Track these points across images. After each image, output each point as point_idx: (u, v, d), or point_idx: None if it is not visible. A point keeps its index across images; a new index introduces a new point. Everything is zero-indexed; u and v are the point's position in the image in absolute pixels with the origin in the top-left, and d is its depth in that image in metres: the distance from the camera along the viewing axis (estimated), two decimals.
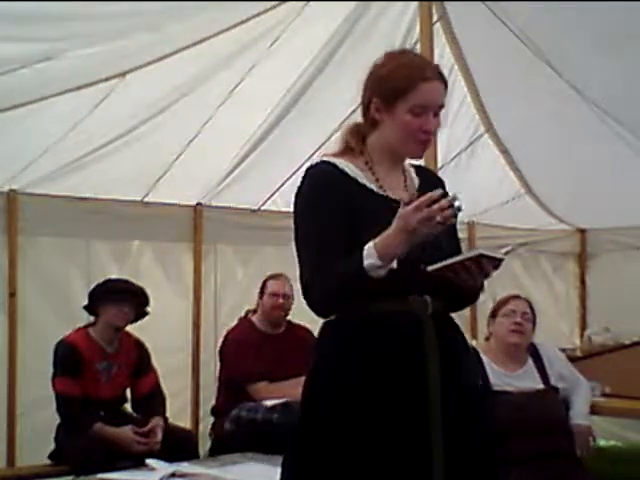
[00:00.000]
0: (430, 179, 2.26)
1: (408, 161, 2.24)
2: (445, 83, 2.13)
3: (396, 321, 2.02)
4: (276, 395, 4.28)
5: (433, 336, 2.04)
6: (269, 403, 4.25)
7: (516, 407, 3.46)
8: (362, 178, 2.11)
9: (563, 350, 4.36)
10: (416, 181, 2.21)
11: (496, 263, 2.00)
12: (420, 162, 4.00)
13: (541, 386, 3.63)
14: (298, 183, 2.13)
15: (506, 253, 2.03)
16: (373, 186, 2.11)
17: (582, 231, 6.84)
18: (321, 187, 2.07)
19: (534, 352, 3.71)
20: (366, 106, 2.15)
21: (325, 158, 2.14)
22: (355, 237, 2.01)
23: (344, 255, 1.99)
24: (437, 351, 2.03)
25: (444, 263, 1.97)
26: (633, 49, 3.86)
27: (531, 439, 3.41)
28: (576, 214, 6.39)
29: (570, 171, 5.25)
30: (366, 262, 1.92)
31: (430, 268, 1.97)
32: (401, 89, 2.07)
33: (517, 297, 3.81)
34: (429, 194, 1.91)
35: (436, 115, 2.11)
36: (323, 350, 2.12)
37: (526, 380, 3.61)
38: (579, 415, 3.66)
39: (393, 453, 1.98)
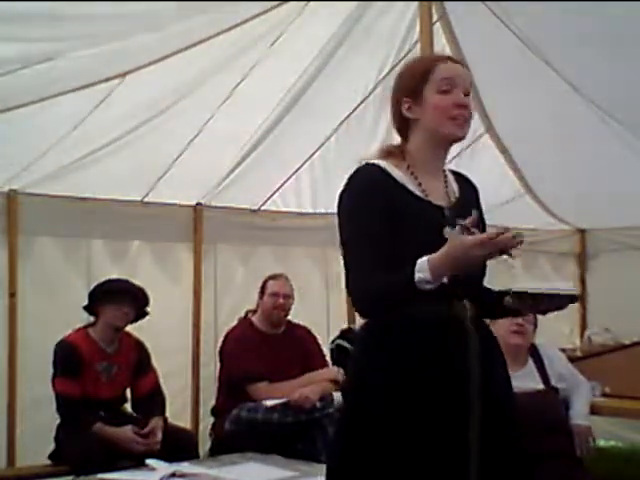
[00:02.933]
0: (468, 186, 2.29)
1: (447, 167, 2.26)
2: (463, 65, 2.19)
3: (441, 324, 2.04)
4: (276, 395, 4.28)
5: (475, 339, 2.07)
6: (269, 403, 4.25)
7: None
8: (407, 182, 2.12)
9: (563, 350, 4.36)
10: (455, 187, 2.23)
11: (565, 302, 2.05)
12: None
13: (541, 386, 3.63)
14: (344, 184, 2.14)
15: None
16: (417, 191, 2.12)
17: (582, 231, 6.84)
18: (370, 188, 2.08)
19: (534, 353, 3.71)
20: (397, 112, 2.18)
21: (371, 161, 2.15)
22: (398, 241, 2.04)
23: (384, 262, 2.02)
24: (479, 354, 2.06)
25: (534, 290, 1.98)
26: (633, 49, 3.86)
27: (531, 439, 3.40)
28: (576, 214, 6.39)
29: (570, 171, 5.25)
30: (417, 276, 1.95)
31: (515, 289, 1.98)
32: (421, 75, 2.12)
33: None
34: (494, 232, 1.92)
35: (466, 94, 2.13)
36: (366, 353, 2.12)
37: (526, 380, 3.60)
38: (579, 415, 3.66)
39: (432, 455, 2.00)
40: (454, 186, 2.24)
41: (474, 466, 2.00)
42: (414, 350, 2.04)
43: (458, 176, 2.30)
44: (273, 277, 4.74)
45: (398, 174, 2.12)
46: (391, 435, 2.01)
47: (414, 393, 2.02)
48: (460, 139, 2.17)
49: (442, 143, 2.18)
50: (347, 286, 2.09)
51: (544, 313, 2.15)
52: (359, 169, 2.14)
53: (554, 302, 2.04)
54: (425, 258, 1.95)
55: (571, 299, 2.03)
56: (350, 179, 2.13)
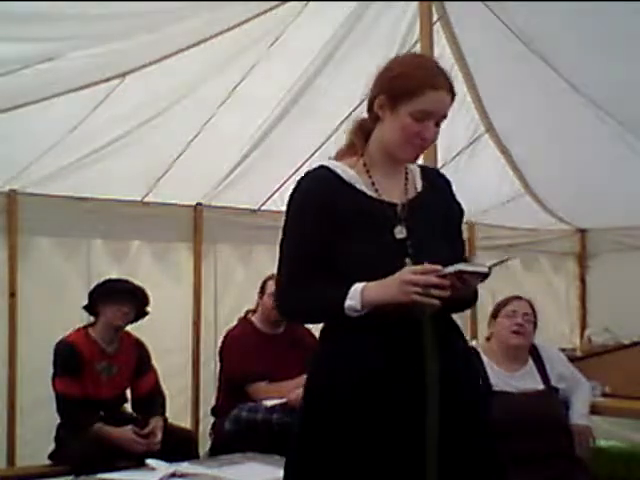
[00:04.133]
0: (437, 181, 2.24)
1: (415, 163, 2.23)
2: (453, 95, 2.11)
3: (395, 324, 2.00)
4: (275, 395, 4.28)
5: (431, 338, 2.03)
6: (269, 403, 4.25)
7: (516, 407, 3.46)
8: (358, 182, 2.10)
9: (563, 350, 4.36)
10: (419, 184, 2.19)
11: (481, 276, 1.99)
12: (420, 161, 4.01)
13: (541, 387, 3.62)
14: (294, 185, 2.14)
15: (493, 265, 1.99)
16: (368, 190, 2.10)
17: (582, 231, 6.84)
18: (311, 196, 2.07)
19: (535, 353, 3.70)
20: (371, 101, 2.14)
21: (324, 163, 2.14)
22: (347, 242, 2.03)
23: (321, 269, 2.03)
24: (436, 352, 2.02)
25: (457, 267, 1.96)
26: (633, 49, 3.86)
27: (531, 439, 3.41)
28: (576, 214, 6.39)
29: (570, 171, 5.24)
30: (347, 303, 1.95)
31: (445, 271, 1.96)
32: (409, 91, 2.05)
33: (518, 298, 3.80)
34: (433, 267, 1.92)
35: (437, 125, 2.10)
36: (323, 354, 2.12)
37: (527, 380, 3.60)
38: (579, 415, 3.66)
39: (388, 456, 1.97)
40: (418, 182, 2.19)
41: (431, 468, 1.97)
42: (369, 351, 2.01)
43: (427, 171, 2.25)
44: (273, 277, 4.72)
45: (350, 174, 2.10)
46: (346, 437, 1.99)
47: (368, 395, 1.99)
48: (407, 162, 2.16)
49: (391, 155, 2.14)
50: (276, 294, 2.11)
51: (465, 292, 2.03)
52: (306, 173, 2.13)
53: (473, 280, 2.00)
54: (360, 286, 1.95)
55: (484, 276, 2.00)
56: (297, 183, 2.12)
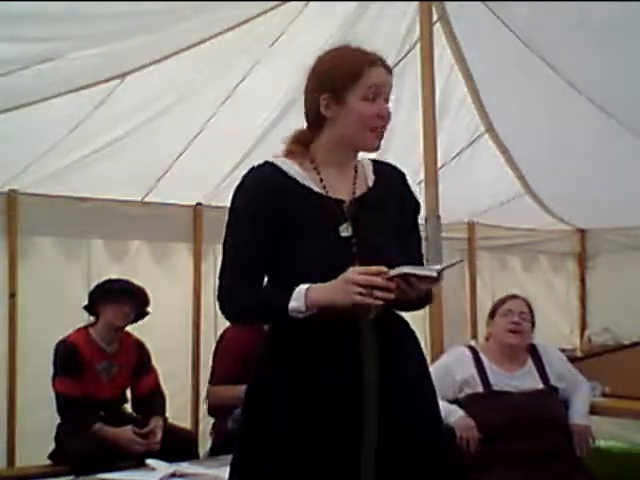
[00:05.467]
0: (390, 176, 2.19)
1: (368, 157, 2.17)
2: (390, 70, 2.10)
3: (333, 327, 1.96)
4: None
5: (372, 341, 1.98)
6: None
7: (516, 407, 3.46)
8: (305, 179, 2.07)
9: (563, 350, 4.35)
10: (371, 179, 2.14)
11: (431, 280, 1.94)
12: (419, 162, 4.00)
13: (541, 386, 3.62)
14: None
15: (443, 269, 1.95)
16: (315, 186, 2.07)
17: (582, 231, 6.84)
18: (255, 195, 2.04)
19: (534, 352, 3.70)
20: (313, 107, 2.11)
21: (270, 159, 2.10)
22: (292, 239, 2.00)
23: (266, 268, 2.02)
24: (375, 356, 1.97)
25: (403, 270, 1.92)
26: (633, 49, 3.86)
27: (531, 439, 3.40)
28: (576, 214, 6.39)
29: (570, 171, 5.24)
30: (291, 304, 1.91)
31: (391, 273, 1.91)
32: (350, 77, 2.03)
33: (515, 297, 3.80)
34: (378, 268, 1.88)
35: (387, 101, 2.07)
36: (264, 355, 2.09)
37: (526, 380, 3.60)
38: (578, 415, 3.66)
39: (325, 459, 1.94)
40: (369, 177, 2.15)
41: (367, 471, 1.94)
42: (307, 353, 1.98)
43: (380, 165, 2.20)
44: None
45: (296, 171, 2.07)
46: (282, 442, 1.96)
47: (304, 399, 1.96)
48: (373, 151, 2.11)
49: (353, 150, 2.12)
50: (218, 292, 2.05)
51: (411, 295, 1.96)
52: (251, 169, 2.09)
53: (421, 283, 1.94)
54: (304, 287, 1.91)
55: (435, 280, 1.95)
56: (242, 179, 2.09)
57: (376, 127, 2.05)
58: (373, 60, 2.06)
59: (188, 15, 3.64)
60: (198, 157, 4.69)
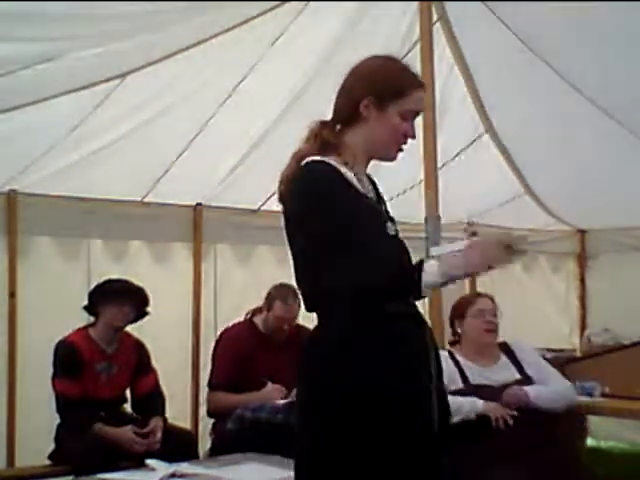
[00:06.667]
0: (372, 181, 2.29)
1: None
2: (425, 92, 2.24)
3: (408, 321, 2.08)
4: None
5: (430, 334, 2.14)
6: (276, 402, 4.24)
7: (500, 400, 3.48)
8: (351, 179, 2.12)
9: (562, 350, 4.36)
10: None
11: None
12: (419, 162, 4.01)
13: (518, 376, 3.64)
14: (296, 184, 2.11)
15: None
16: (360, 188, 2.14)
17: (582, 231, 6.84)
18: (331, 183, 2.07)
19: (505, 348, 3.75)
20: (351, 104, 2.16)
21: (317, 158, 2.11)
22: (349, 235, 2.03)
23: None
24: (433, 349, 2.13)
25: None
26: (633, 49, 3.86)
27: (521, 429, 3.41)
28: (576, 214, 6.39)
29: (570, 171, 5.25)
30: (427, 278, 1.96)
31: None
32: (399, 91, 2.14)
33: (481, 295, 3.87)
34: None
35: (412, 121, 2.20)
36: (332, 348, 2.05)
37: (503, 373, 3.63)
38: (532, 389, 3.58)
39: (405, 451, 1.99)
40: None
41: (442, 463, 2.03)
42: (383, 347, 2.01)
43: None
44: (282, 297, 4.47)
45: (344, 171, 2.12)
46: (361, 434, 1.98)
47: (381, 392, 1.98)
48: (388, 161, 2.23)
49: (376, 154, 2.22)
50: (320, 285, 2.03)
51: None
52: (310, 168, 2.09)
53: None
54: (437, 264, 1.97)
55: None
56: (307, 171, 2.09)
57: (400, 143, 2.19)
58: (420, 85, 2.19)
59: (188, 15, 3.64)
60: (198, 157, 4.69)
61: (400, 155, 2.23)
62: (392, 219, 2.20)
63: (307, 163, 2.10)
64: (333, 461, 2.00)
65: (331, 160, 2.11)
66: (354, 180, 2.11)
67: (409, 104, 2.15)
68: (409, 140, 2.20)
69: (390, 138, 2.16)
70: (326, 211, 2.03)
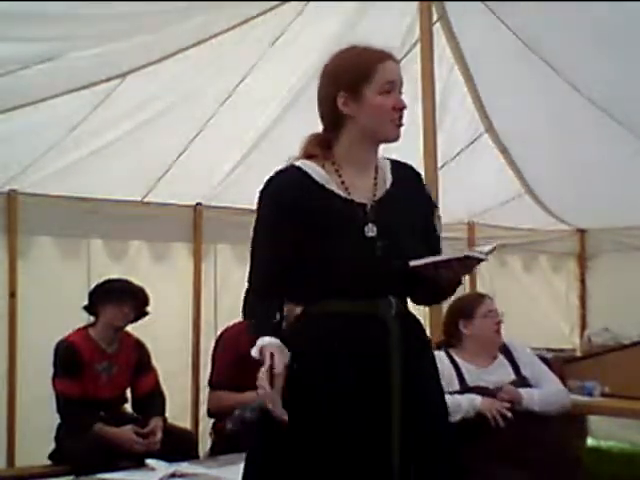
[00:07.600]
0: (407, 176, 2.24)
1: (385, 157, 2.23)
2: (398, 64, 2.18)
3: (362, 323, 2.04)
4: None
5: (397, 337, 2.05)
6: None
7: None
8: (327, 181, 2.10)
9: (562, 350, 4.36)
10: (389, 179, 2.19)
11: (476, 262, 2.05)
12: (419, 162, 4.01)
13: (513, 376, 3.65)
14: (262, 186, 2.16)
15: (488, 252, 2.03)
16: (338, 190, 2.10)
17: (582, 231, 6.84)
18: (281, 196, 2.10)
19: (504, 348, 3.75)
20: (330, 107, 2.14)
21: (295, 162, 2.14)
22: (315, 243, 2.05)
23: (280, 281, 2.12)
24: (400, 352, 2.04)
25: (428, 260, 2.00)
26: (633, 49, 3.86)
27: (518, 430, 3.41)
28: (576, 214, 6.39)
29: (570, 171, 5.25)
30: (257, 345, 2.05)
31: (412, 263, 2.00)
32: (364, 74, 2.10)
33: (483, 296, 3.88)
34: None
35: (400, 93, 2.15)
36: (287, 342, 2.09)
37: (499, 373, 3.63)
38: (526, 392, 3.57)
39: (353, 452, 1.98)
40: (388, 177, 2.20)
41: (395, 462, 1.99)
42: (334, 348, 2.02)
43: (398, 165, 2.25)
44: None
45: (320, 173, 2.11)
46: (310, 435, 1.99)
47: (331, 393, 2.00)
48: (395, 141, 2.16)
49: (376, 142, 2.17)
50: (246, 293, 2.19)
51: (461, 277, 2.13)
52: (276, 172, 2.15)
53: (462, 266, 2.05)
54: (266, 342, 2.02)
55: (475, 259, 2.04)
56: (267, 181, 2.15)
57: (395, 118, 2.12)
58: (384, 56, 2.13)
59: (188, 15, 3.64)
60: (198, 157, 4.69)
61: (402, 130, 2.16)
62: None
63: (277, 170, 2.17)
64: (262, 457, 2.11)
65: (307, 162, 2.13)
66: (330, 182, 2.10)
67: (381, 78, 2.09)
68: (403, 112, 2.13)
69: (380, 119, 2.10)
70: (260, 221, 2.15)
